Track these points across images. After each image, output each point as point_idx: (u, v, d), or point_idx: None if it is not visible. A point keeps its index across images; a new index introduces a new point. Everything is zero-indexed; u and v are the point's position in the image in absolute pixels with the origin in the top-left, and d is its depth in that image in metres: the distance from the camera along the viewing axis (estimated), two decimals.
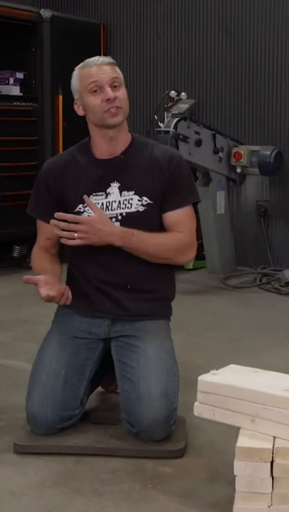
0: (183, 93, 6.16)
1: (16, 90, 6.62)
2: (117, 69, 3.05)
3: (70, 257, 3.16)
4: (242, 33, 6.64)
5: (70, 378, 2.99)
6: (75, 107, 3.11)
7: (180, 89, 6.32)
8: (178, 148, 5.63)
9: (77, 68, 3.07)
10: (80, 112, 3.10)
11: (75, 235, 2.93)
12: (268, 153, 6.16)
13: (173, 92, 6.11)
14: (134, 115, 6.93)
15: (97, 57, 3.05)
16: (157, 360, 2.95)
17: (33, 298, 5.32)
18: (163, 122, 5.81)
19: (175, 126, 5.71)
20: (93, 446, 2.90)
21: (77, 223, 2.94)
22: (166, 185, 3.05)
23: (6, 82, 6.64)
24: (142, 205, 3.03)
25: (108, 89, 2.97)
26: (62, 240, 2.98)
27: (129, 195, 3.03)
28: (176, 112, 5.86)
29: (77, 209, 3.05)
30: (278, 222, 6.64)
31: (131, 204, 3.02)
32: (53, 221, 2.94)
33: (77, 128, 7.02)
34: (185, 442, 2.91)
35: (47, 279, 2.98)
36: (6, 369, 3.99)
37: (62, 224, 2.94)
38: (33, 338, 4.36)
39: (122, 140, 3.08)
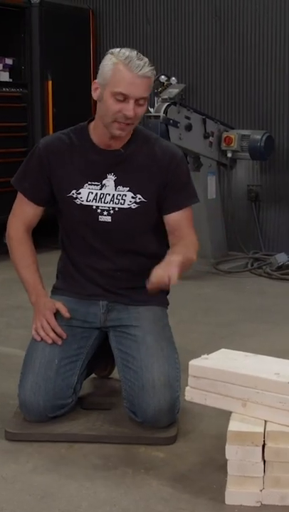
0: (173, 78, 6.15)
1: (5, 76, 6.58)
2: (152, 80, 2.92)
3: (64, 244, 3.15)
4: (232, 17, 6.61)
5: (63, 367, 2.98)
6: (93, 86, 2.94)
7: (170, 74, 6.30)
8: (168, 133, 5.62)
9: (116, 57, 2.87)
10: (95, 95, 2.95)
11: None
12: (259, 137, 6.15)
13: (163, 76, 6.08)
14: None
15: (141, 64, 2.85)
16: (158, 349, 2.95)
17: None
18: (153, 107, 5.79)
19: (165, 111, 5.70)
20: (85, 433, 2.90)
21: None
22: (166, 186, 3.01)
23: None
24: (136, 202, 3.00)
25: (131, 106, 2.85)
26: None
27: (124, 191, 3.00)
28: (166, 97, 5.85)
29: (70, 194, 3.02)
30: (269, 206, 6.63)
31: (124, 200, 3.00)
32: None
33: (67, 114, 7.06)
34: (177, 429, 2.91)
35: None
36: None
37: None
38: (25, 324, 4.36)
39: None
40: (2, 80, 6.55)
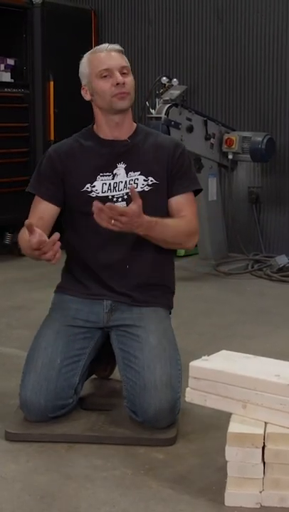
0: (174, 79, 6.14)
1: (6, 76, 6.59)
2: (125, 57, 3.12)
3: (69, 244, 3.17)
4: (234, 19, 6.62)
5: (64, 367, 2.98)
6: (83, 92, 3.15)
7: (171, 76, 6.30)
8: (169, 135, 5.61)
9: (86, 55, 3.14)
10: (87, 96, 3.15)
11: (112, 221, 2.84)
12: (260, 139, 6.15)
13: (164, 78, 6.09)
14: None
15: (106, 44, 3.13)
16: (160, 349, 2.95)
17: (25, 285, 5.34)
18: (154, 108, 5.80)
19: (166, 113, 5.70)
20: (85, 433, 2.90)
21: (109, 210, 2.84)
22: (172, 170, 3.11)
23: None
24: (148, 185, 3.08)
25: (118, 74, 3.05)
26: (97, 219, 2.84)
27: (135, 175, 3.09)
28: (168, 98, 5.85)
29: (84, 188, 3.09)
30: (270, 208, 6.63)
31: (137, 184, 3.07)
32: (96, 203, 2.83)
33: (69, 114, 7.06)
34: (176, 430, 2.92)
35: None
36: None
37: (106, 210, 2.80)
38: (25, 324, 4.38)
39: (127, 127, 3.14)
40: (4, 80, 6.55)
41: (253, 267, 6.16)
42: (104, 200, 2.99)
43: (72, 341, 3.03)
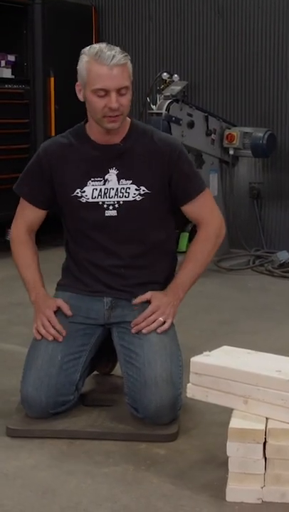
0: (175, 75, 6.14)
1: (7, 73, 6.58)
2: (129, 68, 2.93)
3: (69, 244, 3.15)
4: (235, 14, 6.61)
5: (66, 363, 2.98)
6: (77, 89, 3.00)
7: (172, 71, 6.30)
8: (170, 131, 5.61)
9: (88, 55, 2.92)
10: (80, 96, 3.00)
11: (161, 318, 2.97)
12: (261, 135, 6.15)
13: (165, 74, 6.08)
14: None
15: (111, 54, 2.87)
16: (161, 346, 2.94)
17: None
18: (155, 104, 5.80)
19: (167, 108, 5.69)
20: (86, 429, 2.90)
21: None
22: (171, 178, 3.03)
23: None
24: (140, 194, 3.01)
25: (114, 98, 2.87)
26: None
27: (127, 183, 3.01)
28: (169, 94, 5.85)
29: (74, 193, 3.03)
30: (271, 204, 6.63)
31: (128, 193, 3.01)
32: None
33: (69, 110, 7.02)
34: (178, 426, 2.91)
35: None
36: None
37: (140, 326, 2.97)
38: (25, 321, 4.36)
39: (120, 130, 3.01)
40: (4, 76, 6.55)
41: (254, 263, 6.15)
42: (94, 206, 3.00)
43: (72, 338, 3.02)
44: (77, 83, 2.99)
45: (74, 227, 3.10)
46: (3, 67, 6.58)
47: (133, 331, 2.96)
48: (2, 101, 6.42)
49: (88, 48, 2.95)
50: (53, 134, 6.65)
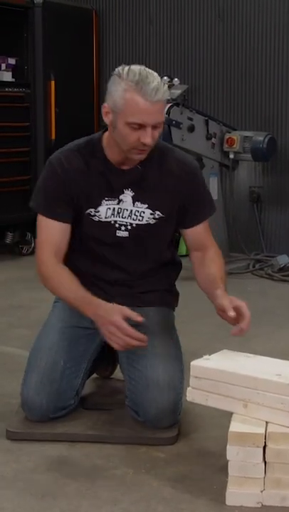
0: (176, 79, 6.15)
1: (7, 76, 6.58)
2: (165, 99, 2.77)
3: (71, 255, 3.00)
4: (235, 18, 6.62)
5: (68, 369, 2.97)
6: (103, 110, 2.82)
7: (173, 75, 6.31)
8: (170, 134, 5.62)
9: (126, 81, 2.72)
10: (106, 119, 2.83)
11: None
12: (261, 138, 6.15)
13: (165, 77, 6.08)
14: None
15: (155, 87, 2.69)
16: (164, 350, 2.93)
17: (26, 284, 5.34)
18: None
19: (168, 112, 5.69)
20: (86, 433, 2.90)
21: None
22: (184, 200, 2.97)
23: None
24: (154, 218, 2.95)
25: (149, 133, 2.73)
26: None
27: (142, 207, 2.93)
28: (169, 98, 5.84)
29: (88, 211, 2.93)
30: (271, 208, 6.63)
31: (142, 217, 2.94)
32: None
33: (70, 113, 7.05)
34: (178, 430, 2.91)
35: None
36: None
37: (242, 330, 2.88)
38: (26, 324, 4.38)
39: None
40: (5, 79, 6.54)
41: (254, 267, 6.16)
42: (106, 224, 2.94)
43: (76, 343, 3.01)
44: (105, 105, 2.81)
45: (81, 240, 3.01)
46: (3, 70, 6.58)
47: (237, 333, 2.85)
48: (2, 104, 6.42)
49: (125, 71, 2.75)
50: (53, 137, 6.66)
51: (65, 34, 6.88)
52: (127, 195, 2.93)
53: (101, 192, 2.92)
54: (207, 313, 4.85)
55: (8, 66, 6.63)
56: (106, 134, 2.92)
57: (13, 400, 3.15)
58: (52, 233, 2.96)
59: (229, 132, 6.29)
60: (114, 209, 2.93)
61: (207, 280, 3.05)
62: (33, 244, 6.30)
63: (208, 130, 6.10)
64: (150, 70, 2.76)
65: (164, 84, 2.77)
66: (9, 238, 6.58)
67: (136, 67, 2.76)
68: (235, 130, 6.36)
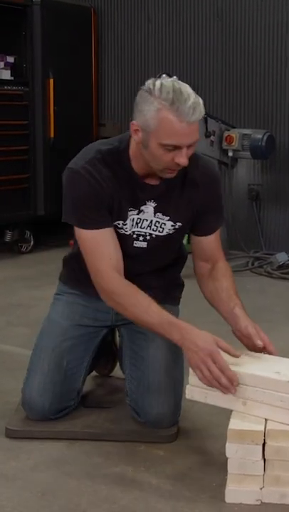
0: (174, 77, 6.11)
1: (6, 74, 6.57)
2: (199, 119, 2.62)
3: (79, 258, 2.88)
4: (233, 17, 6.62)
5: (70, 370, 2.96)
6: (132, 128, 2.64)
7: (171, 73, 6.28)
8: None
9: (158, 99, 2.53)
10: (136, 138, 2.65)
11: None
12: (260, 136, 6.15)
13: (164, 75, 6.07)
14: (126, 99, 6.91)
15: (191, 106, 2.52)
16: (167, 351, 2.91)
17: (25, 282, 5.34)
18: None
19: None
20: (86, 430, 2.90)
21: None
22: (201, 208, 2.90)
23: None
24: (174, 228, 2.88)
25: (184, 154, 2.60)
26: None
27: (164, 219, 2.84)
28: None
29: (116, 223, 2.80)
30: (270, 205, 6.64)
31: (163, 229, 2.86)
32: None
33: (68, 112, 7.04)
34: (177, 427, 2.91)
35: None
36: None
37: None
38: (25, 322, 4.38)
39: None
40: (3, 78, 6.54)
41: (253, 265, 6.16)
42: (126, 236, 2.84)
43: (78, 342, 2.99)
44: (134, 123, 2.63)
45: None
46: (2, 68, 6.57)
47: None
48: (1, 102, 6.41)
49: (157, 87, 2.57)
50: (52, 135, 6.65)
51: (63, 32, 6.87)
52: (149, 206, 2.82)
53: (127, 203, 2.80)
54: (207, 311, 4.86)
55: (6, 64, 6.62)
56: (132, 143, 2.75)
57: (12, 398, 3.15)
58: (103, 244, 2.76)
59: (228, 130, 6.29)
60: (133, 219, 2.83)
61: (219, 294, 2.99)
62: (32, 243, 6.32)
63: (207, 128, 6.10)
64: (183, 84, 2.59)
65: (201, 105, 2.57)
66: (8, 236, 6.57)
67: (168, 83, 2.58)
68: (234, 128, 6.36)
